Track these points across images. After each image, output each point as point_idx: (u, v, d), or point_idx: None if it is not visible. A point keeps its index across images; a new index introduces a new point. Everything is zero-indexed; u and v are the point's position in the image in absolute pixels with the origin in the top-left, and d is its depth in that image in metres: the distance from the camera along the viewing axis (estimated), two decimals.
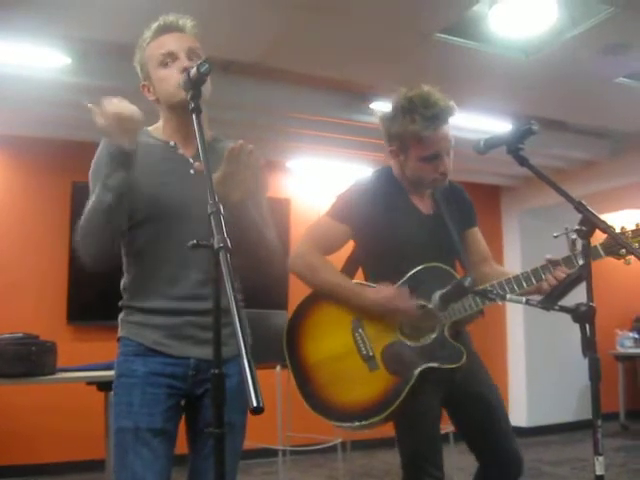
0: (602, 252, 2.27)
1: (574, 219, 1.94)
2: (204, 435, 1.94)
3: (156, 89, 1.99)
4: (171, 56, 1.94)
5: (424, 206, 2.56)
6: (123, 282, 2.02)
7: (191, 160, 1.98)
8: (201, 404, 1.97)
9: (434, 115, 2.39)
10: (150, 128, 2.08)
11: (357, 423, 2.34)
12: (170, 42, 1.96)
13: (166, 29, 1.98)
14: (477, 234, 2.68)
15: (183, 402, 2.00)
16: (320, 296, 2.47)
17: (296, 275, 2.47)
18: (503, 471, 2.45)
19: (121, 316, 2.02)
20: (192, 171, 1.96)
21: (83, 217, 1.84)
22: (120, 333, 2.00)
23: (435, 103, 2.40)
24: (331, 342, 2.43)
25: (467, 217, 2.66)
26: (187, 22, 2.01)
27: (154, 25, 1.99)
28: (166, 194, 1.93)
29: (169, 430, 1.92)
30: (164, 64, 1.95)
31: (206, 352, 1.93)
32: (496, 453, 2.46)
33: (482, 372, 2.54)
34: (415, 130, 2.40)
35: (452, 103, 2.45)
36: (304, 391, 2.40)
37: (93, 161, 1.99)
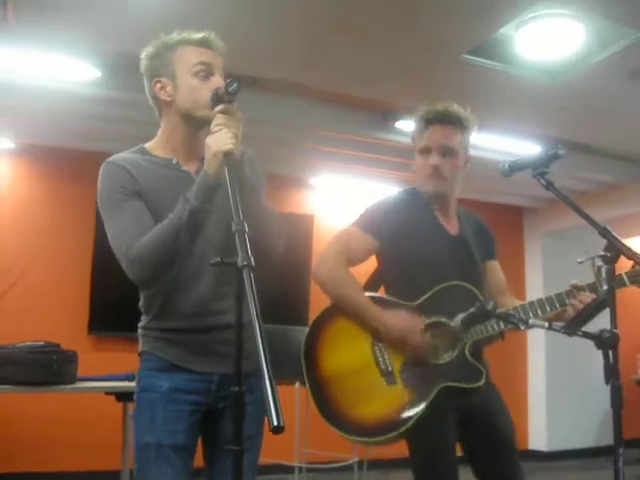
0: (627, 281, 2.23)
1: (598, 241, 1.92)
2: (224, 449, 1.95)
3: (181, 94, 1.97)
4: (208, 69, 1.95)
5: (450, 226, 2.56)
6: (141, 303, 2.02)
7: (194, 176, 1.94)
8: (222, 418, 1.97)
9: (434, 110, 2.47)
10: (147, 146, 2.05)
11: (371, 439, 2.33)
12: (207, 55, 1.97)
13: (203, 43, 1.98)
14: (497, 266, 2.68)
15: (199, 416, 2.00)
16: (340, 308, 2.47)
17: (319, 284, 2.46)
18: None
19: (141, 332, 2.01)
20: None
21: (156, 235, 1.82)
22: (142, 348, 1.99)
23: (441, 105, 2.48)
24: (350, 354, 2.41)
25: (488, 248, 2.66)
26: (221, 45, 2.01)
27: (194, 34, 1.99)
28: None
29: (190, 446, 1.93)
30: (197, 75, 1.95)
31: (230, 367, 1.94)
32: None
33: (500, 407, 2.50)
34: (418, 126, 2.52)
35: (463, 111, 2.49)
36: (320, 402, 2.37)
37: (103, 189, 1.95)
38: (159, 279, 1.89)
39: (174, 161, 2.00)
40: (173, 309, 1.95)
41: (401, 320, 2.34)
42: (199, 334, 1.94)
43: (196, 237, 1.83)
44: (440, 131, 2.47)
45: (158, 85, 2.01)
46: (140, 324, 2.02)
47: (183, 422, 1.91)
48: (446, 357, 2.36)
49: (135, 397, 1.97)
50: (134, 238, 1.83)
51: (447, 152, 2.47)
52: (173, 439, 1.88)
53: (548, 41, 3.90)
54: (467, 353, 2.34)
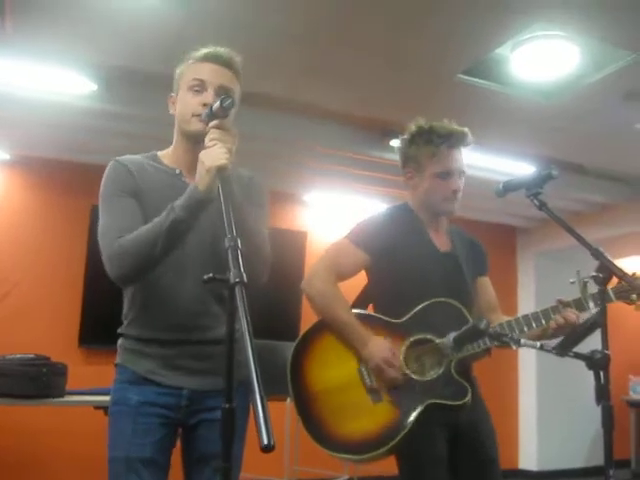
0: (613, 296, 2.25)
1: (589, 262, 1.93)
2: (199, 465, 1.96)
3: (177, 109, 2.03)
4: (200, 85, 1.96)
5: (440, 243, 2.57)
6: (123, 309, 2.04)
7: None
8: (195, 435, 1.97)
9: (449, 134, 2.48)
10: (159, 153, 2.11)
11: (357, 456, 2.33)
12: (206, 72, 1.98)
13: (211, 58, 1.99)
14: (487, 283, 2.68)
15: (180, 431, 2.00)
16: (327, 325, 2.46)
17: (307, 298, 2.48)
18: None
19: (119, 342, 2.03)
20: None
21: (136, 236, 1.83)
22: (117, 360, 2.01)
23: (451, 127, 2.50)
24: (336, 371, 2.42)
25: (479, 265, 2.66)
26: (235, 59, 2.02)
27: (205, 49, 2.01)
28: None
29: (160, 460, 1.91)
30: (191, 89, 1.97)
31: (200, 383, 1.94)
32: None
33: (487, 425, 2.49)
34: (431, 147, 2.49)
35: (469, 133, 2.52)
36: (306, 420, 2.38)
37: (104, 184, 1.99)
38: (135, 280, 1.92)
39: (177, 171, 2.04)
40: (148, 318, 1.96)
41: (382, 351, 2.35)
42: (168, 347, 1.94)
43: (175, 247, 1.84)
44: (459, 154, 2.52)
45: (171, 100, 2.08)
46: (119, 329, 2.03)
47: (152, 435, 1.90)
48: (432, 374, 2.37)
49: (108, 410, 1.98)
50: (118, 233, 1.86)
51: (463, 174, 2.53)
52: (141, 452, 1.87)
53: (543, 62, 3.92)
54: (453, 370, 2.35)
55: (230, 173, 1.74)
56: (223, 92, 1.93)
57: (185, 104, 1.98)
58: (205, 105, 1.88)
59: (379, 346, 2.36)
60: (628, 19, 3.46)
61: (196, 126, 1.89)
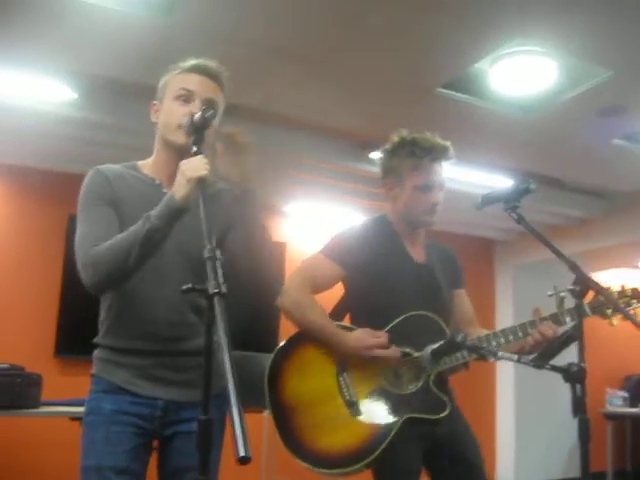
0: (589, 311, 2.27)
1: (567, 275, 1.95)
2: (174, 479, 1.94)
3: (160, 117, 2.02)
4: (188, 95, 1.97)
5: (417, 254, 2.57)
6: (100, 317, 2.02)
7: None
8: (170, 447, 1.96)
9: (432, 147, 2.49)
10: (139, 163, 2.10)
11: (334, 470, 2.32)
12: (195, 83, 1.98)
13: (200, 69, 2.00)
14: (464, 296, 2.69)
15: (155, 443, 1.98)
16: (306, 336, 2.45)
17: (283, 311, 2.46)
18: None
19: (95, 353, 2.01)
20: None
21: (111, 245, 1.82)
22: (93, 370, 1.99)
23: (434, 140, 2.51)
24: (314, 384, 2.40)
25: (455, 277, 2.67)
26: (222, 73, 2.03)
27: (193, 60, 2.02)
28: None
29: (134, 470, 1.89)
30: (178, 99, 1.97)
31: (176, 394, 1.93)
32: None
33: (466, 433, 2.50)
34: (413, 160, 2.49)
35: (450, 147, 2.53)
36: (283, 433, 2.36)
37: (82, 192, 1.99)
38: (110, 288, 1.91)
39: (157, 181, 2.03)
40: (124, 326, 1.95)
41: (368, 338, 2.34)
42: (144, 357, 1.93)
43: (150, 256, 1.83)
44: (440, 168, 2.52)
45: (154, 107, 2.07)
46: (94, 339, 2.02)
47: (125, 443, 1.88)
48: (411, 388, 2.36)
49: (82, 421, 1.96)
50: (94, 242, 1.85)
51: (443, 187, 2.54)
52: (114, 461, 1.85)
53: (522, 77, 3.97)
54: (431, 384, 2.35)
55: (218, 184, 1.76)
56: (209, 104, 1.92)
57: (170, 113, 1.98)
58: (191, 114, 1.87)
59: (362, 335, 2.36)
60: (605, 37, 3.51)
61: (181, 138, 1.89)
